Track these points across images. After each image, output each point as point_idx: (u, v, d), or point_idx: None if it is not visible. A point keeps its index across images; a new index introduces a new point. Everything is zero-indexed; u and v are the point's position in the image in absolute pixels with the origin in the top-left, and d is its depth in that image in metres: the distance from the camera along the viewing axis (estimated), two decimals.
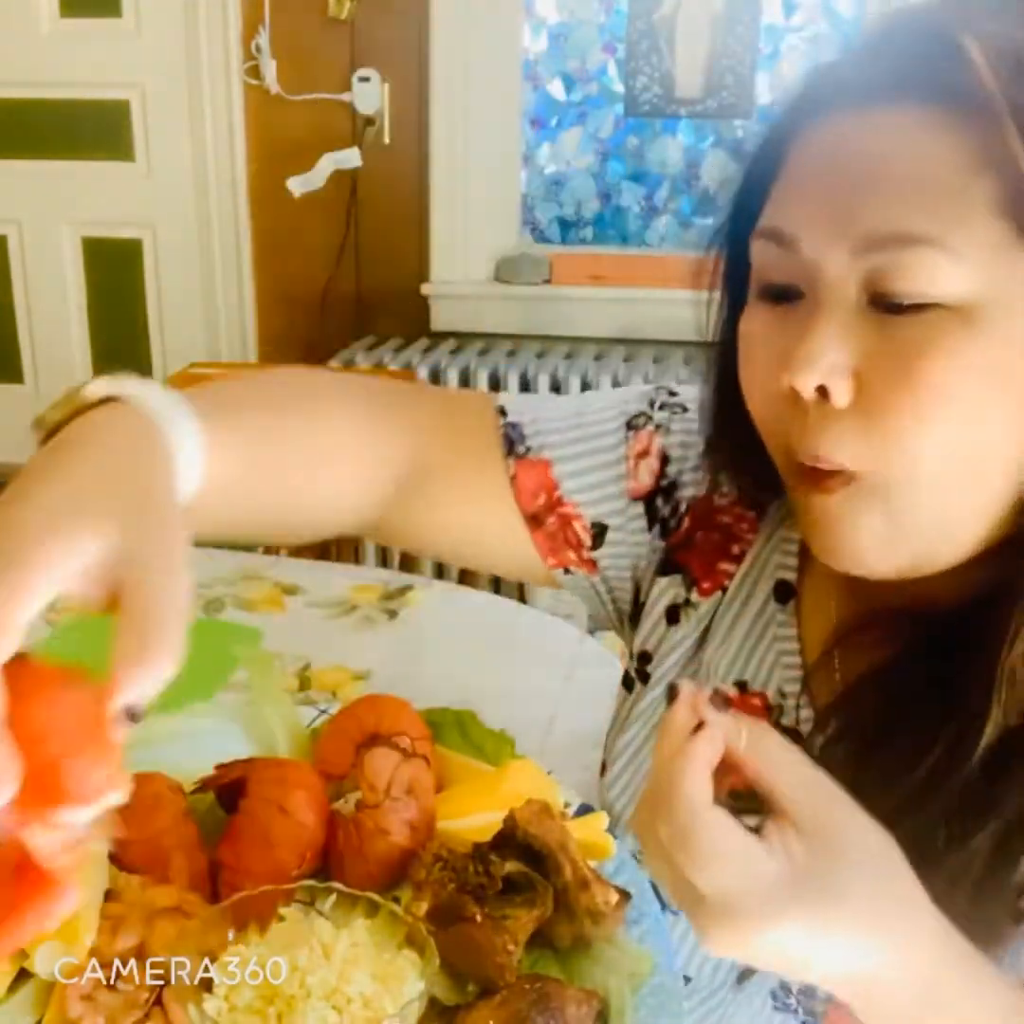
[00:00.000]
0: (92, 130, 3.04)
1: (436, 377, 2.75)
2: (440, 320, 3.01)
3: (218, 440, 0.61)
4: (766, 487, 0.72)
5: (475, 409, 0.82)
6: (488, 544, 0.83)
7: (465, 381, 2.77)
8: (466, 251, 2.98)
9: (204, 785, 0.77)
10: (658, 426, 0.81)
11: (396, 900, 0.67)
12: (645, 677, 0.83)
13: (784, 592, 0.75)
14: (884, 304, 0.57)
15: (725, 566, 0.78)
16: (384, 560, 2.86)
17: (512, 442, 0.81)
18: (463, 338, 2.98)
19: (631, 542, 0.82)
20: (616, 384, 2.71)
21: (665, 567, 0.81)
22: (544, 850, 0.68)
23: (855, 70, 0.60)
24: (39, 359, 3.25)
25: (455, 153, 2.89)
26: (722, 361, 0.72)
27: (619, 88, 3.10)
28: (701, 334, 0.74)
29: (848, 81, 0.60)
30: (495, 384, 2.76)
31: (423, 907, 0.66)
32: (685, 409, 0.81)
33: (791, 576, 0.75)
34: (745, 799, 0.64)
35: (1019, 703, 0.58)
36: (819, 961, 0.49)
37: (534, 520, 0.82)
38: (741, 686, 0.76)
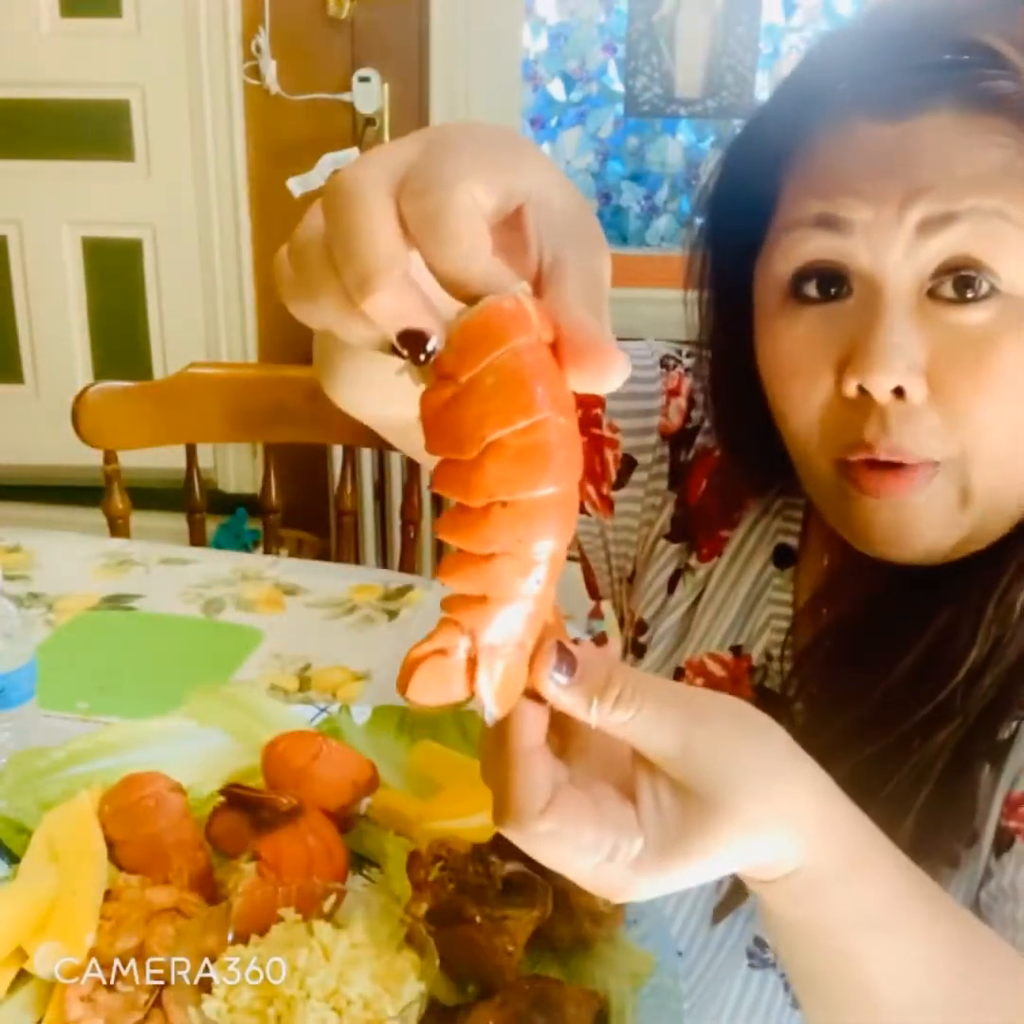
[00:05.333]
0: (92, 130, 3.03)
1: None
2: None
3: None
4: (769, 479, 0.75)
5: None
6: None
7: None
8: None
9: (230, 797, 0.78)
10: (687, 369, 0.82)
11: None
12: (639, 649, 0.84)
13: (784, 556, 0.76)
14: (948, 296, 0.58)
15: (724, 533, 0.79)
16: (384, 560, 2.85)
17: None
18: None
19: (651, 488, 0.82)
20: None
21: (675, 533, 0.81)
22: None
23: (882, 76, 0.59)
24: (39, 359, 3.24)
25: None
26: (717, 366, 0.74)
27: (619, 88, 3.10)
28: (693, 333, 0.75)
29: (877, 87, 0.59)
30: None
31: (423, 908, 0.66)
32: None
33: (793, 541, 0.76)
34: None
35: (1001, 629, 0.62)
36: (712, 876, 0.45)
37: None
38: (736, 650, 0.76)
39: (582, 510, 0.84)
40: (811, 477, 0.67)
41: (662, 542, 0.82)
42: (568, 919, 0.68)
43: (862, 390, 0.59)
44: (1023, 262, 0.57)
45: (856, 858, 0.48)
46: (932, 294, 0.58)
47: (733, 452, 0.78)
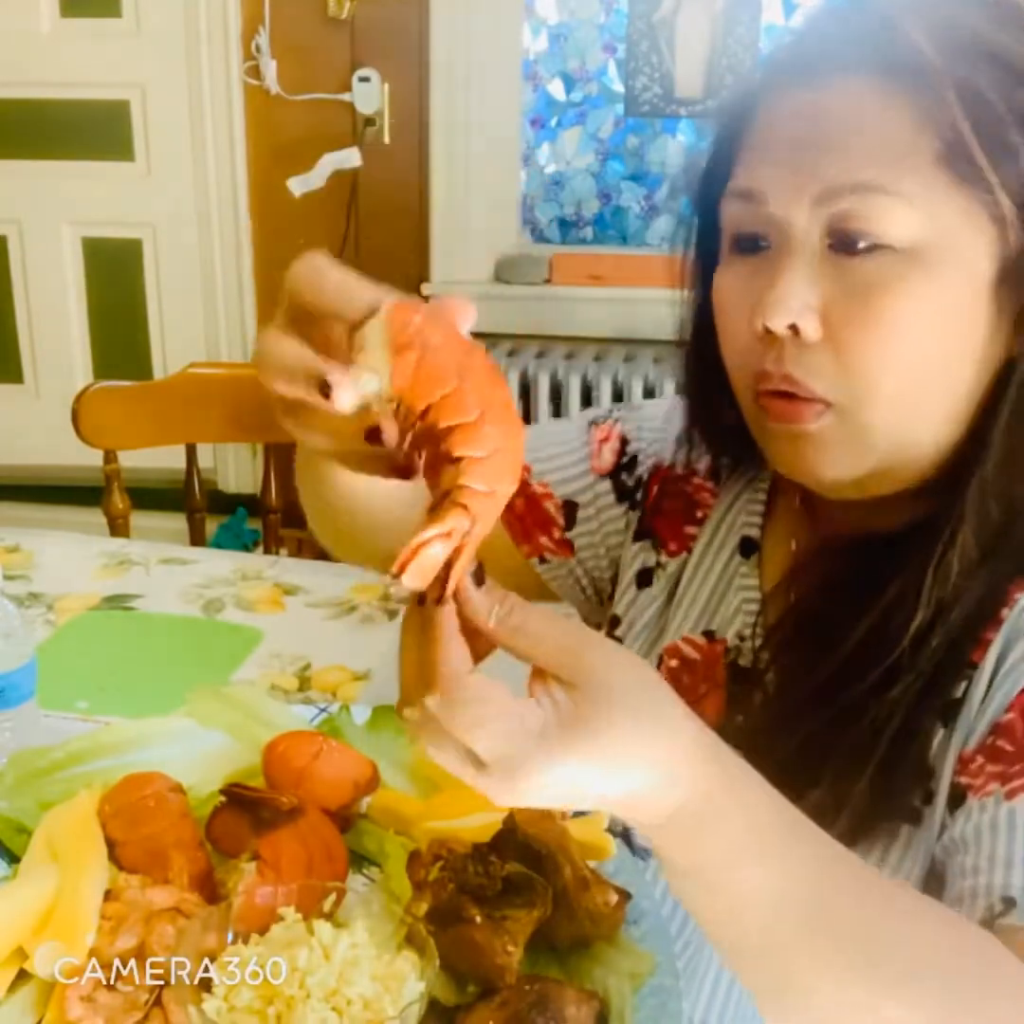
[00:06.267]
0: (92, 130, 3.03)
1: None
2: None
3: None
4: (737, 452, 0.82)
5: None
6: None
7: None
8: (466, 251, 2.97)
9: (230, 797, 0.77)
10: (616, 419, 0.93)
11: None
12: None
13: (748, 547, 0.83)
14: (843, 248, 0.65)
15: (690, 529, 0.87)
16: None
17: None
18: None
19: (603, 518, 0.90)
20: (616, 384, 2.71)
21: (639, 534, 0.89)
22: (544, 850, 0.68)
23: (807, 49, 0.68)
24: (39, 359, 3.24)
25: (455, 153, 2.89)
26: (696, 340, 0.79)
27: (619, 88, 3.10)
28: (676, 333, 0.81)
29: (801, 59, 0.67)
30: None
31: (423, 908, 0.66)
32: (641, 410, 0.93)
33: (755, 532, 0.83)
34: None
35: (942, 592, 0.67)
36: (594, 789, 0.50)
37: None
38: (709, 635, 0.82)
39: (543, 559, 0.92)
40: (744, 412, 0.74)
41: (631, 547, 0.89)
42: (568, 919, 0.68)
43: (767, 329, 0.66)
44: (906, 223, 0.63)
45: (735, 787, 0.52)
46: (833, 246, 0.66)
47: (708, 442, 0.84)
